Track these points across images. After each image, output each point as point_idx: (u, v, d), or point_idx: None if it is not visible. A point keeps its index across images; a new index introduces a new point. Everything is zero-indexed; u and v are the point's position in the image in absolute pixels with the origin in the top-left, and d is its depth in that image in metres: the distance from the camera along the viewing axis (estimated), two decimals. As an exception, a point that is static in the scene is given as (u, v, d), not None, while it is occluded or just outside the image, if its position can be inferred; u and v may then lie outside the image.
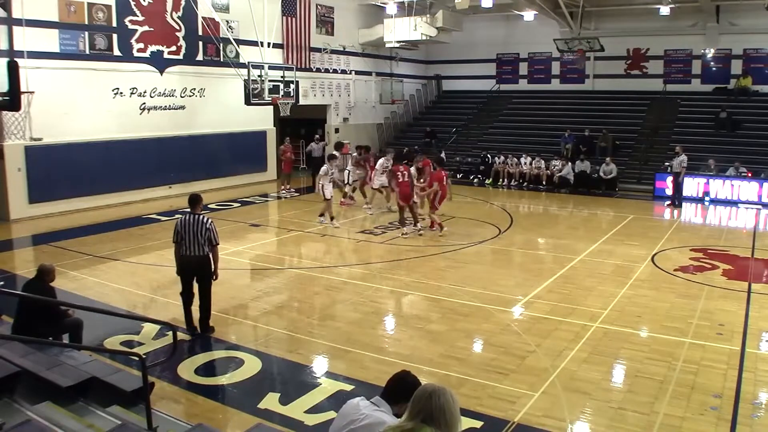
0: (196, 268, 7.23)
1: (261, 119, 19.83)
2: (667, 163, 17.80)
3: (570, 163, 20.02)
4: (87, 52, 15.03)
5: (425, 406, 2.55)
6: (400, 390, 3.16)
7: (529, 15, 23.39)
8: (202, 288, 7.31)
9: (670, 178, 17.29)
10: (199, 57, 17.90)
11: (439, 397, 2.55)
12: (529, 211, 16.53)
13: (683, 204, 17.12)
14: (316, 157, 19.40)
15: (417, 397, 2.62)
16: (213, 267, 7.32)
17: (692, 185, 17.92)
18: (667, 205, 17.17)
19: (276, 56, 19.05)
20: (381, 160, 15.15)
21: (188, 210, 7.39)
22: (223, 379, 6.17)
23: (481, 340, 7.37)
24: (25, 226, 13.52)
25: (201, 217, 7.20)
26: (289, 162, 18.78)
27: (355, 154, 16.59)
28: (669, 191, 17.42)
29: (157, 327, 7.22)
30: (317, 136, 20.18)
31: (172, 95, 17.29)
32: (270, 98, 16.92)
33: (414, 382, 3.21)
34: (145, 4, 16.18)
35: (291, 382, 6.28)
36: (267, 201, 17.66)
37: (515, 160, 20.72)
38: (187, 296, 7.39)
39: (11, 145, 13.69)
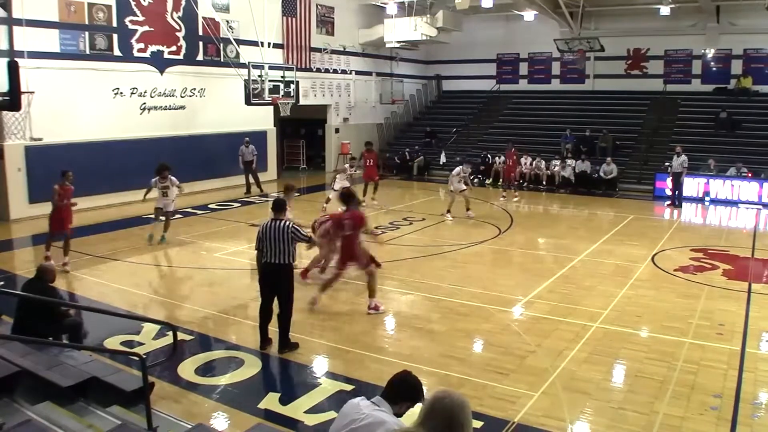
0: (275, 277, 6.78)
1: (261, 119, 19.83)
2: (667, 163, 17.78)
3: (569, 161, 20.03)
4: (87, 52, 15.03)
5: (445, 419, 2.49)
6: (402, 390, 3.17)
7: (529, 15, 23.39)
8: (281, 300, 6.83)
9: (669, 179, 17.26)
10: (200, 57, 17.90)
11: (459, 413, 2.50)
12: (529, 211, 16.51)
13: (683, 204, 17.12)
14: (248, 161, 18.20)
15: (437, 407, 2.53)
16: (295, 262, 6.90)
17: (692, 185, 17.93)
18: (667, 205, 17.16)
19: (276, 56, 19.05)
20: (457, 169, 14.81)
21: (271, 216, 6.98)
22: (223, 379, 6.17)
23: (481, 340, 7.37)
24: (25, 226, 13.50)
25: (282, 222, 6.76)
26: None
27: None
28: (668, 191, 17.41)
29: (157, 327, 7.21)
30: (247, 139, 18.49)
31: (172, 95, 17.29)
32: (270, 98, 16.93)
33: (415, 382, 3.22)
34: (145, 4, 16.18)
35: (291, 382, 6.28)
36: (267, 201, 17.64)
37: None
38: (264, 313, 6.91)
39: (11, 145, 13.70)
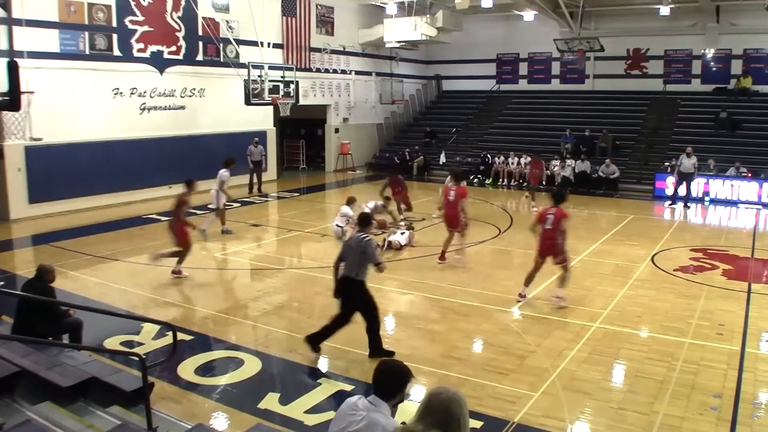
0: (347, 291, 6.60)
1: (261, 119, 19.83)
2: (667, 163, 17.74)
3: (569, 161, 20.04)
4: (87, 52, 15.03)
5: (440, 414, 2.51)
6: (393, 382, 3.15)
7: (529, 15, 23.41)
8: (364, 317, 6.63)
9: (672, 179, 17.19)
10: (199, 57, 17.90)
11: (455, 407, 2.53)
12: (529, 211, 16.47)
13: (680, 204, 17.06)
14: (256, 161, 18.35)
15: (434, 402, 2.56)
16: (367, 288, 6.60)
17: (692, 185, 17.89)
18: (668, 205, 17.13)
19: (276, 56, 19.06)
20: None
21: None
22: (223, 379, 6.17)
23: (481, 340, 7.37)
24: (25, 226, 13.51)
25: (362, 236, 6.52)
26: None
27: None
28: (670, 191, 17.38)
29: (157, 327, 7.20)
30: (255, 139, 18.61)
31: (172, 95, 17.30)
32: (270, 98, 16.94)
33: (403, 369, 3.20)
34: (145, 4, 16.18)
35: (291, 382, 6.28)
36: (267, 201, 17.66)
37: (516, 159, 20.75)
38: (338, 319, 6.66)
39: (11, 145, 13.70)
